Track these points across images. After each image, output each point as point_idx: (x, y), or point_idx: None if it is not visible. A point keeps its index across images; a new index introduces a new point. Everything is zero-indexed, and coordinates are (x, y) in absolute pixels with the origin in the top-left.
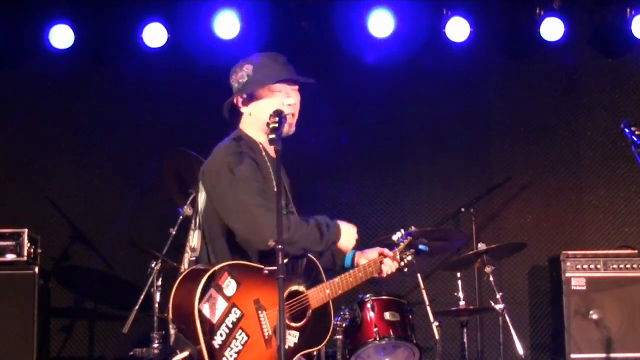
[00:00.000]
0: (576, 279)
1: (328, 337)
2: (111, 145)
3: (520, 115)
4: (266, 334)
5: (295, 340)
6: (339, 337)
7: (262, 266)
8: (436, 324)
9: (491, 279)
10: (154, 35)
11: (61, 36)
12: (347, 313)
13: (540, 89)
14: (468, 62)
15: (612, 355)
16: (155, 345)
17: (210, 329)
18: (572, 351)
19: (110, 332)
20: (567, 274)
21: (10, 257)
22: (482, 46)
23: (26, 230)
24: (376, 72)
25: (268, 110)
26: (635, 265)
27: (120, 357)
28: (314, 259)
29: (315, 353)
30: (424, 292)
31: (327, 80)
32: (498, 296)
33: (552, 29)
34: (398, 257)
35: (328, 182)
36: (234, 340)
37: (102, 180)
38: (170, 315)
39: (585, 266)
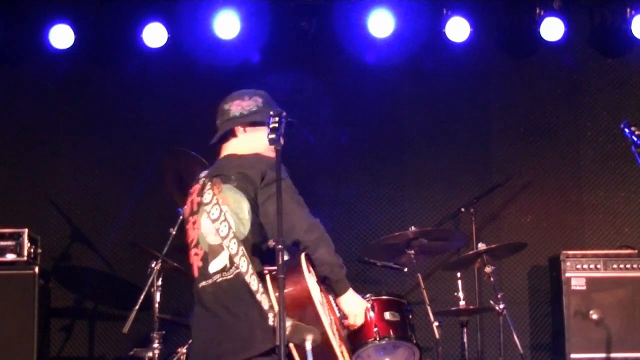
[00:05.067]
0: (576, 279)
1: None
2: (111, 145)
3: (520, 115)
4: (339, 315)
5: (344, 331)
6: None
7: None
8: (436, 324)
9: (491, 279)
10: (154, 35)
11: (61, 36)
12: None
13: (540, 89)
14: (468, 62)
15: (612, 355)
16: (155, 345)
17: (323, 311)
18: (572, 351)
19: (110, 332)
20: (567, 274)
21: (10, 257)
22: (482, 46)
23: (26, 230)
24: (376, 72)
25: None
26: (635, 265)
27: (120, 357)
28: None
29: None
30: (424, 292)
31: (327, 80)
32: (498, 296)
33: (552, 29)
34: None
35: (328, 182)
36: (328, 319)
37: (102, 180)
38: (288, 310)
39: (585, 266)
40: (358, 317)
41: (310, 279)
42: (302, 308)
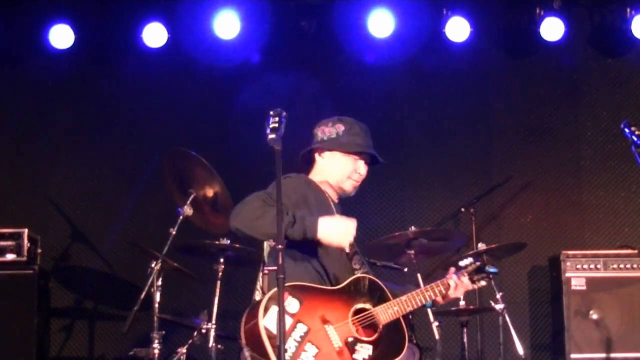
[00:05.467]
0: (576, 279)
1: (405, 349)
2: (111, 145)
3: (520, 115)
4: (336, 345)
5: (370, 352)
6: None
7: (321, 286)
8: (436, 324)
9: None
10: (154, 35)
11: (61, 36)
12: None
13: (540, 89)
14: (468, 62)
15: (612, 355)
16: (155, 345)
17: (275, 344)
18: (572, 351)
19: (110, 332)
20: (567, 274)
21: (10, 257)
22: (482, 46)
23: (26, 230)
24: (376, 72)
25: (342, 169)
26: (635, 265)
27: (120, 357)
28: (376, 279)
29: None
30: None
31: (327, 80)
32: (498, 296)
33: (552, 29)
34: (466, 281)
35: None
36: (303, 352)
37: (102, 180)
38: (243, 341)
39: (585, 266)
40: (342, 242)
41: (268, 320)
42: (253, 343)
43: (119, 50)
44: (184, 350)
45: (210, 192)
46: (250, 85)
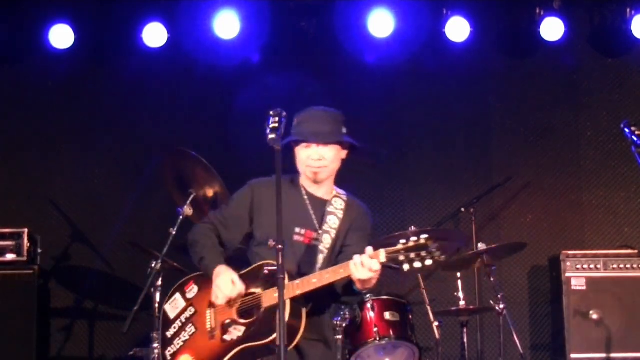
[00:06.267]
0: (576, 279)
1: (274, 335)
2: (111, 145)
3: (520, 115)
4: (209, 326)
5: (240, 334)
6: (339, 337)
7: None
8: (436, 324)
9: (491, 279)
10: (154, 35)
11: (61, 36)
12: (347, 313)
13: (540, 89)
14: (468, 62)
15: (612, 355)
16: (155, 345)
17: (166, 323)
18: (572, 351)
19: (110, 332)
20: (567, 274)
21: (10, 257)
22: (482, 46)
23: (26, 230)
24: (376, 72)
25: (299, 160)
26: (635, 265)
27: (120, 357)
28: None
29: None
30: (424, 292)
31: (327, 80)
32: (498, 296)
33: (552, 29)
34: (368, 262)
35: None
36: (183, 332)
37: (102, 180)
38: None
39: (585, 266)
40: (217, 300)
41: (168, 305)
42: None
43: (119, 50)
44: None
45: (210, 192)
46: (250, 85)
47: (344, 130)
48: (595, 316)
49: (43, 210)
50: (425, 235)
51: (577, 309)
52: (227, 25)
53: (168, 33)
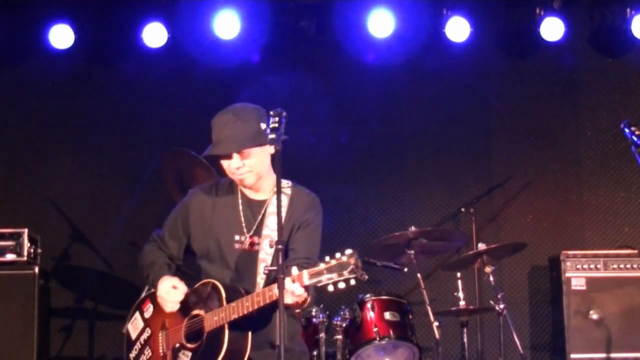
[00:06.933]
0: (576, 279)
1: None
2: (111, 145)
3: (520, 115)
4: (161, 351)
5: (187, 359)
6: (339, 337)
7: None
8: (436, 324)
9: (491, 279)
10: (154, 35)
11: (61, 36)
12: (347, 313)
13: (540, 89)
14: (468, 62)
15: (612, 355)
16: None
17: (129, 345)
18: (572, 351)
19: (110, 332)
20: (567, 274)
21: (10, 257)
22: (482, 46)
23: (26, 230)
24: (376, 72)
25: (224, 169)
26: (635, 265)
27: (120, 357)
28: (218, 285)
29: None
30: (424, 292)
31: (327, 80)
32: (498, 296)
33: (552, 29)
34: (291, 286)
35: (328, 182)
36: (142, 355)
37: (102, 180)
38: None
39: (585, 266)
40: (167, 307)
41: (130, 324)
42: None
43: (119, 50)
44: None
45: None
46: (250, 85)
47: (262, 126)
48: (595, 316)
49: (43, 210)
50: (349, 252)
51: (577, 309)
52: (227, 25)
53: (168, 33)
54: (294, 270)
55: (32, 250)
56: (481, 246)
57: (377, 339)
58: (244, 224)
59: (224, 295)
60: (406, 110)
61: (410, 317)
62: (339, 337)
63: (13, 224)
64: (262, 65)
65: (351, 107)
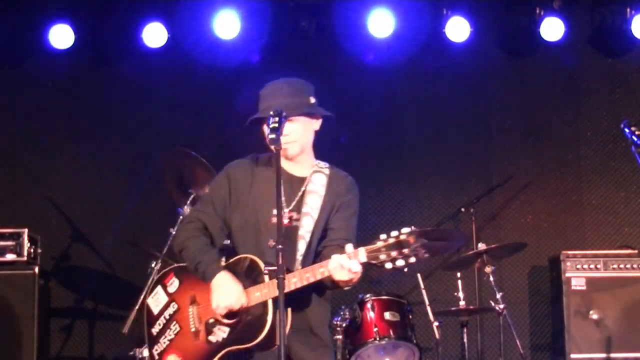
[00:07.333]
0: (576, 279)
1: (261, 336)
2: (111, 145)
3: (520, 115)
4: (192, 326)
5: (225, 335)
6: (339, 337)
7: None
8: (436, 324)
9: (491, 279)
10: (154, 35)
11: (61, 36)
12: (347, 313)
13: (540, 89)
14: (468, 62)
15: (612, 355)
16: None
17: (150, 320)
18: (572, 351)
19: (110, 332)
20: (567, 274)
21: (10, 257)
22: (482, 46)
23: (26, 230)
24: (376, 72)
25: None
26: (635, 265)
27: (120, 357)
28: (256, 259)
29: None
30: (424, 292)
31: (327, 80)
32: (498, 296)
33: (552, 29)
34: (347, 263)
35: None
36: (168, 330)
37: (102, 180)
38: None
39: (585, 266)
40: (218, 309)
41: (152, 299)
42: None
43: (119, 50)
44: None
45: None
46: (250, 85)
47: (312, 100)
48: (595, 316)
49: (43, 210)
50: (407, 230)
51: (577, 309)
52: (227, 25)
53: (168, 33)
54: (349, 247)
55: (32, 250)
56: (481, 246)
57: (377, 339)
58: (283, 198)
59: (262, 271)
60: (406, 110)
61: (410, 317)
62: (339, 337)
63: (13, 224)
64: (262, 65)
65: (351, 107)
